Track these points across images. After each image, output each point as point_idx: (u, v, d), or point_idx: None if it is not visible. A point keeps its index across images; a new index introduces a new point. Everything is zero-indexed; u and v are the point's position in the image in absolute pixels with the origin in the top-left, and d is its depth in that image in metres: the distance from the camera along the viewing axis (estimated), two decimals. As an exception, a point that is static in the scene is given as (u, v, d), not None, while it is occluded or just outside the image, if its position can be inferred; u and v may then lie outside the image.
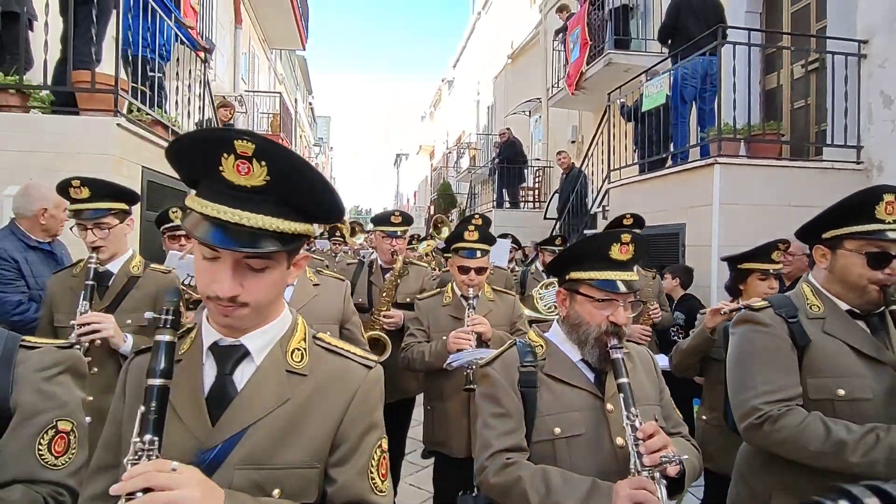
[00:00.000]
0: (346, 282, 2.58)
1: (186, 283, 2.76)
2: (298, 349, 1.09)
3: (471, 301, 2.60)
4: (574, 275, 1.52)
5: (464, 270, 2.65)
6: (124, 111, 3.80)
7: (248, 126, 12.72)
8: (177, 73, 4.86)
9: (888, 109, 4.49)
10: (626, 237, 1.48)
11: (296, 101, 22.40)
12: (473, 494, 1.67)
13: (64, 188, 2.17)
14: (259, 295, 1.00)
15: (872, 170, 4.60)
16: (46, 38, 3.59)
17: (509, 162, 11.67)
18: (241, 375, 1.04)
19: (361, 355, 1.15)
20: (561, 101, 9.76)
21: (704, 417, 2.73)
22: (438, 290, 2.95)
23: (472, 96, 21.02)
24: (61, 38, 3.79)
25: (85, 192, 2.16)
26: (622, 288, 1.47)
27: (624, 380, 1.39)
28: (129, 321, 2.21)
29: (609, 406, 1.49)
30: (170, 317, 0.96)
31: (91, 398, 2.04)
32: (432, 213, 18.80)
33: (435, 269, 5.60)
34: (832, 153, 4.88)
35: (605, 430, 1.47)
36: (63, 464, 1.17)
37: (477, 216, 4.05)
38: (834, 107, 4.80)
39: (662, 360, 3.21)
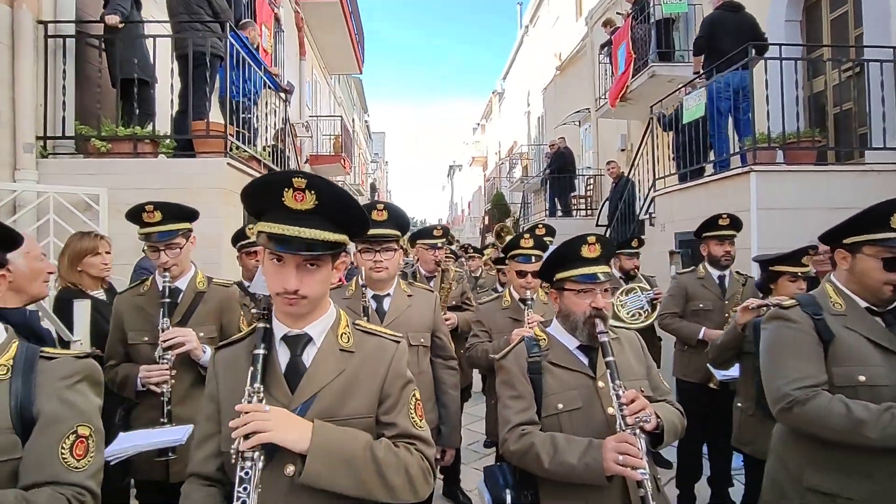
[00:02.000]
0: (435, 293, 2.80)
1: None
2: (345, 333, 1.41)
3: (528, 302, 2.85)
4: (559, 275, 1.83)
5: (521, 275, 2.93)
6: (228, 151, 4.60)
7: (313, 148, 13.75)
8: (266, 114, 5.67)
9: (926, 112, 4.65)
10: (591, 238, 1.79)
11: (353, 120, 23.58)
12: (499, 465, 1.98)
13: (137, 213, 2.26)
14: (315, 288, 1.30)
15: (912, 170, 4.75)
16: (172, 97, 4.43)
17: (559, 172, 12.04)
18: (308, 356, 1.35)
19: (391, 334, 1.48)
20: (608, 112, 10.09)
21: (740, 405, 2.92)
22: (497, 294, 3.22)
23: (522, 107, 21.45)
24: (180, 95, 4.65)
25: (157, 216, 2.26)
26: (600, 278, 1.78)
27: (610, 358, 1.67)
28: (201, 334, 2.30)
29: (600, 383, 1.77)
30: (264, 311, 1.34)
31: (170, 407, 2.18)
32: (486, 222, 19.33)
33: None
34: (873, 156, 5.05)
35: (597, 402, 1.75)
36: (83, 466, 1.23)
37: (541, 226, 4.36)
38: (871, 111, 4.98)
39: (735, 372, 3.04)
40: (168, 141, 4.56)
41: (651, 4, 8.25)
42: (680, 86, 6.65)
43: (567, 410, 1.75)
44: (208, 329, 2.36)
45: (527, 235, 3.01)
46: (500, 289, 5.43)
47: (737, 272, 3.77)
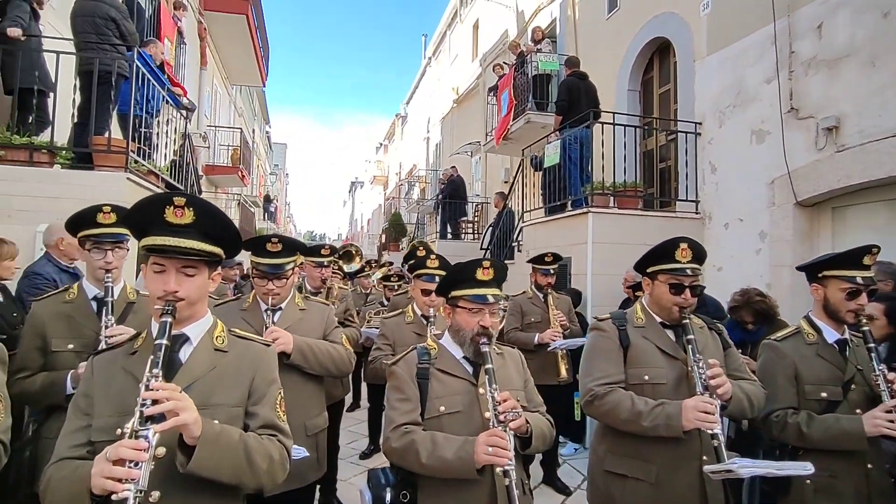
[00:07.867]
0: (329, 306, 2.90)
1: None
2: (220, 336, 1.62)
3: (431, 319, 3.07)
4: (454, 293, 2.00)
5: (426, 293, 3.12)
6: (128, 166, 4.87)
7: (210, 159, 13.63)
8: (166, 131, 5.94)
9: (714, 175, 6.06)
10: (486, 263, 1.97)
11: (253, 131, 23.21)
12: (382, 468, 2.07)
13: (92, 213, 2.33)
14: (190, 291, 1.48)
15: (705, 218, 6.14)
16: (74, 111, 4.64)
17: (451, 198, 13.08)
18: (184, 353, 1.54)
19: (262, 340, 1.73)
20: (494, 147, 11.26)
21: None
22: (401, 310, 3.41)
23: (422, 133, 22.45)
24: (79, 108, 4.84)
25: (112, 218, 2.37)
26: (489, 299, 1.95)
27: (490, 366, 1.85)
28: None
29: (481, 390, 1.92)
30: (170, 307, 1.44)
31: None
32: (384, 241, 19.94)
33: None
34: (681, 205, 6.42)
35: (476, 407, 1.92)
36: None
37: (419, 245, 4.61)
38: (678, 170, 6.35)
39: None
40: (64, 152, 4.74)
41: (530, 60, 9.49)
42: (547, 133, 7.82)
43: (448, 413, 1.90)
44: None
45: (433, 256, 3.27)
46: (385, 303, 6.02)
47: (553, 291, 4.68)
